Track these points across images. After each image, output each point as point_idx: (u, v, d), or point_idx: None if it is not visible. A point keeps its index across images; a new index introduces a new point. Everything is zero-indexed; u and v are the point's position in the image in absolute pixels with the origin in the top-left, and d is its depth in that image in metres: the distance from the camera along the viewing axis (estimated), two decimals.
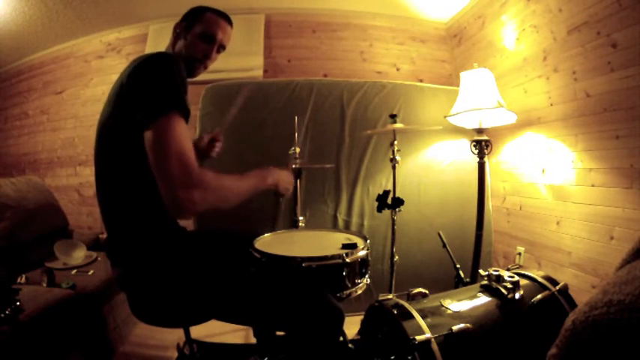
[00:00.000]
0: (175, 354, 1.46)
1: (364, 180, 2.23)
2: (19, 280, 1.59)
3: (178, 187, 0.74)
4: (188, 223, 1.77)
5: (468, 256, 1.98)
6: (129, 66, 0.89)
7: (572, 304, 1.10)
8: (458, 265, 1.78)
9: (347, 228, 2.16)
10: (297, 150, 1.81)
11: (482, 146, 1.89)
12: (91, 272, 1.75)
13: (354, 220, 2.22)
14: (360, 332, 1.24)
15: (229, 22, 1.13)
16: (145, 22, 2.82)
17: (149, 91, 0.80)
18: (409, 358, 0.92)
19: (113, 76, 0.93)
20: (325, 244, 1.31)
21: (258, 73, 2.66)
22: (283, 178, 1.07)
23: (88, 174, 3.02)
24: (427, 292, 1.23)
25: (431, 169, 2.29)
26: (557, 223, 1.88)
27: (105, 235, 0.98)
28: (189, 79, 1.12)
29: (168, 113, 0.77)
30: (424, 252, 2.19)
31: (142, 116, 0.78)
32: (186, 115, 0.82)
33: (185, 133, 0.79)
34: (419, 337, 0.92)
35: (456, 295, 1.15)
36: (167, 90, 0.81)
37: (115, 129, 0.87)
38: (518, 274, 1.20)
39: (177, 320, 1.03)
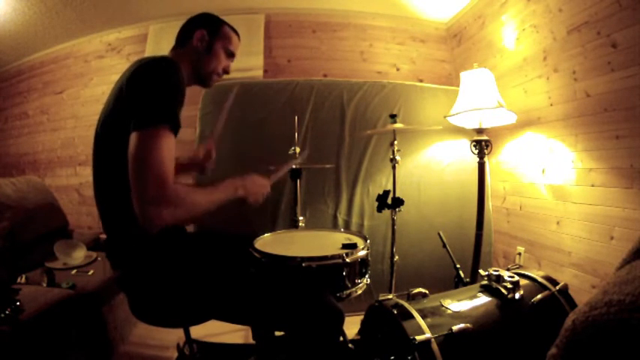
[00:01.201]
0: (175, 354, 1.46)
1: (364, 180, 2.23)
2: (19, 280, 1.58)
3: (149, 203, 0.73)
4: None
5: (468, 256, 1.98)
6: (130, 68, 0.89)
7: (572, 304, 1.10)
8: (458, 265, 1.78)
9: (347, 228, 2.16)
10: (297, 150, 1.81)
11: (483, 146, 1.89)
12: (91, 272, 1.75)
13: (354, 220, 2.22)
14: (360, 332, 1.25)
15: (239, 36, 1.16)
16: (145, 22, 2.81)
17: (144, 100, 0.80)
18: (409, 358, 0.92)
19: (113, 76, 0.93)
20: (325, 244, 1.31)
21: (258, 73, 2.66)
22: (254, 189, 1.04)
23: (88, 174, 3.01)
24: (427, 292, 1.23)
25: (431, 169, 2.29)
26: (557, 223, 1.88)
27: (105, 235, 0.98)
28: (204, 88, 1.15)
29: (157, 126, 0.77)
30: (424, 252, 2.19)
31: (132, 123, 0.77)
32: (175, 129, 0.81)
33: (169, 148, 0.78)
34: (419, 337, 0.93)
35: (456, 295, 1.16)
36: (161, 102, 0.80)
37: (113, 131, 0.87)
38: (518, 274, 1.20)
39: (177, 320, 1.03)
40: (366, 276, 1.19)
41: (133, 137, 0.76)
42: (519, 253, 2.16)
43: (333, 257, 1.07)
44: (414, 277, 2.11)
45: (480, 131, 1.89)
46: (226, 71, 1.14)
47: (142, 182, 0.74)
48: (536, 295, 1.10)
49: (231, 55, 1.13)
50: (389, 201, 1.73)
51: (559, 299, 1.10)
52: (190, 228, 1.75)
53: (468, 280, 1.80)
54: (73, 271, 1.75)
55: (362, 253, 1.15)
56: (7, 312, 1.13)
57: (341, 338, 1.21)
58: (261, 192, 1.07)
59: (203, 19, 1.10)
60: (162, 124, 0.78)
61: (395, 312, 1.04)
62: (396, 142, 1.77)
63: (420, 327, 0.97)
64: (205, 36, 1.07)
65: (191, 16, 1.12)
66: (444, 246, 1.82)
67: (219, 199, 0.91)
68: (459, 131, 2.22)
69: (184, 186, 0.81)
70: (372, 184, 2.24)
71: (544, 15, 1.85)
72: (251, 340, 1.44)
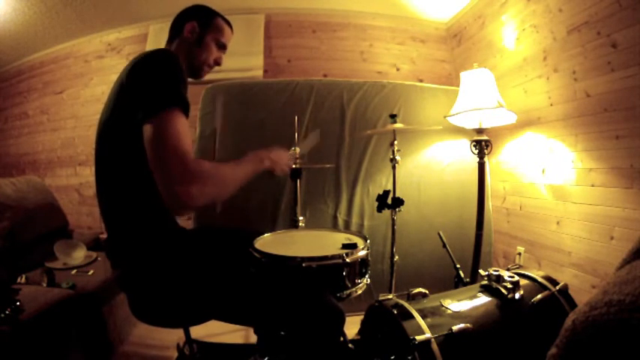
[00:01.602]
0: (175, 354, 1.46)
1: (364, 180, 2.23)
2: (19, 280, 1.58)
3: (175, 182, 0.73)
4: (187, 224, 1.77)
5: (468, 256, 1.98)
6: (128, 64, 0.89)
7: (572, 304, 1.10)
8: (458, 265, 1.78)
9: (347, 228, 2.16)
10: (297, 150, 1.81)
11: (483, 146, 1.89)
12: (91, 272, 1.75)
13: (354, 220, 2.21)
14: (360, 332, 1.25)
15: (232, 28, 1.16)
16: (145, 22, 2.82)
17: (149, 88, 0.80)
18: (409, 358, 0.92)
19: (113, 76, 0.93)
20: (325, 244, 1.31)
21: (258, 73, 2.66)
22: (280, 159, 1.09)
23: (88, 174, 3.02)
24: (427, 292, 1.23)
25: (431, 169, 2.29)
26: (557, 223, 1.88)
27: (105, 235, 0.98)
28: (195, 81, 1.14)
29: (169, 108, 0.77)
30: (424, 252, 2.19)
31: (142, 113, 0.77)
32: (186, 110, 0.82)
33: (184, 129, 0.78)
34: (419, 337, 0.92)
35: (456, 295, 1.15)
36: (167, 86, 0.80)
37: (116, 128, 0.87)
38: (518, 274, 1.20)
39: (177, 320, 1.03)
40: (366, 276, 1.19)
41: (147, 129, 0.76)
42: (519, 253, 2.16)
43: (333, 257, 1.07)
44: (414, 277, 2.11)
45: (479, 131, 1.89)
46: (217, 63, 1.14)
47: (163, 165, 0.73)
48: (536, 295, 1.09)
49: (222, 47, 1.13)
50: (389, 201, 1.73)
51: (559, 299, 1.10)
52: (190, 226, 1.75)
53: (468, 280, 1.80)
54: (73, 271, 1.75)
55: (362, 253, 1.15)
56: (7, 312, 1.13)
57: (341, 338, 1.21)
58: (286, 162, 1.10)
59: (194, 10, 1.10)
60: (172, 107, 0.77)
61: (395, 312, 1.04)
62: (396, 142, 1.77)
63: (420, 327, 0.97)
64: (196, 28, 1.07)
65: (183, 8, 1.12)
66: (444, 246, 1.82)
67: (246, 170, 0.92)
68: (459, 131, 2.22)
69: (208, 162, 0.81)
70: (372, 184, 2.24)
71: (544, 15, 1.85)
72: (251, 340, 1.44)
